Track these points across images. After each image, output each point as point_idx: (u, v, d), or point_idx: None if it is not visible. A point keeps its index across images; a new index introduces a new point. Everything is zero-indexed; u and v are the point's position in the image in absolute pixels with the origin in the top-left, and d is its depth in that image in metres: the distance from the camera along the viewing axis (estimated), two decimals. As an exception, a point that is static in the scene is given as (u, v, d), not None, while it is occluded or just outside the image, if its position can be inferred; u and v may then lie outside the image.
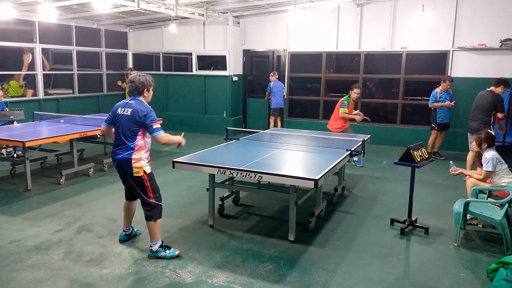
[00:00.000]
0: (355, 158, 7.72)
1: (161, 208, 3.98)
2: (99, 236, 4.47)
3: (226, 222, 4.92)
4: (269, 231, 4.68)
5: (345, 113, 7.56)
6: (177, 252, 3.99)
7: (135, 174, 3.82)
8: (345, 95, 7.76)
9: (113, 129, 4.00)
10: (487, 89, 6.84)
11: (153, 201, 3.91)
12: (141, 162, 3.83)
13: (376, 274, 3.75)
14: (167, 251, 3.95)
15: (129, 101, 3.89)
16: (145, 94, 3.96)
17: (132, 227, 4.39)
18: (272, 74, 10.40)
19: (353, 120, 7.77)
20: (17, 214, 5.06)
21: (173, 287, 3.49)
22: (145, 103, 3.91)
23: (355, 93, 7.64)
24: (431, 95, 8.31)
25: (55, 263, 3.85)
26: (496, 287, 3.35)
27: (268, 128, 10.06)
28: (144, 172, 3.85)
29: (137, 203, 4.20)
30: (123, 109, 3.85)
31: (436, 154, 8.47)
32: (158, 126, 3.82)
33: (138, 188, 3.89)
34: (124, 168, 3.84)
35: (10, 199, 5.63)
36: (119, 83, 11.78)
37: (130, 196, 4.17)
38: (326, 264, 3.91)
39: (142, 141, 3.85)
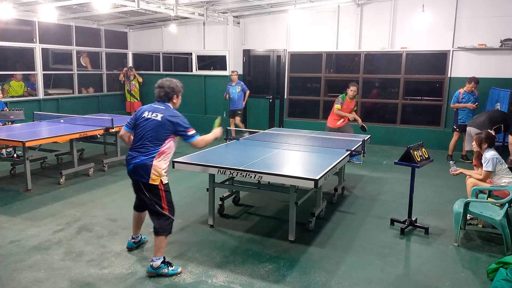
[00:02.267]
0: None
1: (173, 222, 3.69)
2: (99, 236, 4.47)
3: (226, 222, 4.92)
4: (269, 231, 4.68)
5: (338, 109, 7.87)
6: (179, 270, 3.70)
7: (150, 182, 3.54)
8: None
9: (133, 134, 3.76)
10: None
11: (167, 213, 3.63)
12: (160, 170, 3.58)
13: (376, 274, 3.75)
14: (170, 268, 3.66)
15: (158, 106, 3.68)
16: (174, 100, 3.74)
17: (140, 235, 4.19)
18: (236, 72, 10.06)
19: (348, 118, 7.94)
20: (17, 214, 5.06)
21: (173, 287, 3.49)
22: (173, 109, 3.72)
23: (351, 90, 7.86)
24: (454, 96, 8.16)
25: (55, 263, 3.85)
26: (496, 287, 3.35)
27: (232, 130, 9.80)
28: (161, 181, 3.59)
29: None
30: (150, 113, 3.63)
31: (463, 157, 8.24)
32: (194, 131, 3.62)
33: (152, 197, 3.61)
34: (140, 173, 3.56)
35: (10, 199, 5.63)
36: (121, 77, 11.57)
37: (141, 207, 3.95)
38: (326, 264, 3.91)
39: (165, 148, 3.60)
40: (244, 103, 10.23)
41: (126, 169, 3.75)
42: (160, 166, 3.58)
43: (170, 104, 3.73)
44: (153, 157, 3.55)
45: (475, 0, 8.76)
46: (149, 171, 3.54)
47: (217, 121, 4.09)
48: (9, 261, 3.87)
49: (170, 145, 3.66)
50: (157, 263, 3.61)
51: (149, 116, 3.63)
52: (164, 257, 3.68)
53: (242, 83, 10.16)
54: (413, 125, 9.70)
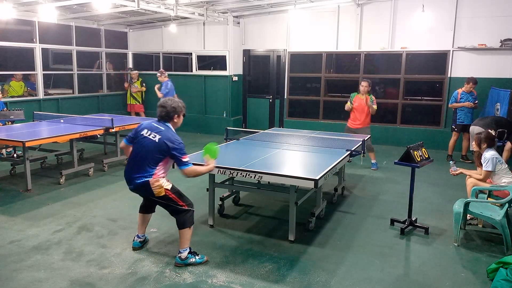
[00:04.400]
0: (373, 161, 7.70)
1: (193, 213, 3.84)
2: (99, 236, 4.47)
3: (226, 222, 4.92)
4: (269, 231, 4.68)
5: (348, 106, 7.65)
6: (205, 258, 3.90)
7: (157, 195, 3.69)
8: (346, 95, 7.81)
9: (131, 148, 3.82)
10: None
11: (185, 208, 3.77)
12: (160, 181, 3.67)
13: (376, 274, 3.75)
14: (196, 257, 3.84)
15: (158, 126, 3.71)
16: (175, 120, 3.76)
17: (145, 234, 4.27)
18: (161, 72, 9.31)
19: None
20: (17, 214, 5.06)
21: (173, 287, 3.49)
22: (174, 131, 3.74)
23: (361, 85, 7.58)
24: (452, 96, 8.19)
25: (55, 263, 3.85)
26: (496, 287, 3.35)
27: None
28: (166, 189, 3.70)
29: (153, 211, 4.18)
30: (149, 132, 3.67)
31: (463, 157, 8.23)
32: (188, 159, 3.64)
33: (166, 202, 3.75)
34: (143, 191, 3.74)
35: (10, 199, 5.63)
36: (126, 85, 11.56)
37: (147, 209, 4.10)
38: (326, 264, 3.91)
39: (162, 169, 3.71)
40: None
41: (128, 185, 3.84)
42: (158, 180, 3.66)
43: (170, 124, 3.76)
44: (149, 178, 3.64)
45: (475, 0, 8.76)
46: (151, 188, 3.65)
47: (212, 148, 3.89)
48: (9, 261, 3.87)
49: (164, 167, 3.75)
50: (185, 254, 3.78)
51: (147, 135, 3.68)
52: (190, 248, 3.83)
53: (165, 83, 9.23)
54: (413, 125, 9.70)
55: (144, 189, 3.70)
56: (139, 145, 3.70)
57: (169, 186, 3.74)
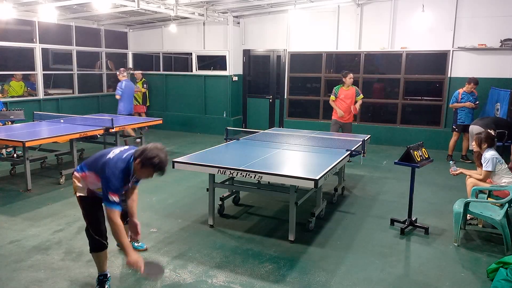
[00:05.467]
0: None
1: (99, 243, 3.30)
2: (99, 236, 4.46)
3: (226, 222, 4.92)
4: (269, 231, 4.68)
5: (332, 100, 8.01)
6: None
7: (73, 191, 3.37)
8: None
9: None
10: None
11: (90, 228, 3.31)
12: (79, 184, 3.29)
13: (376, 274, 3.75)
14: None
15: (124, 150, 3.25)
16: (136, 163, 3.11)
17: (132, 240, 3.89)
18: (120, 71, 8.94)
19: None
20: (17, 214, 5.06)
21: (173, 287, 3.49)
22: (125, 166, 3.11)
23: (350, 78, 7.90)
24: (453, 95, 8.20)
25: (55, 263, 3.85)
26: (496, 287, 3.35)
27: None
28: (80, 194, 3.30)
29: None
30: (120, 148, 3.31)
31: (463, 157, 8.24)
32: (115, 199, 3.02)
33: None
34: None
35: (10, 199, 5.63)
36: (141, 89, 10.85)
37: (123, 216, 3.45)
38: (326, 264, 3.91)
39: (90, 179, 3.24)
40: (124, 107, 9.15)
41: None
42: (78, 180, 3.30)
43: (132, 161, 3.15)
44: (78, 171, 3.34)
45: (475, 0, 8.76)
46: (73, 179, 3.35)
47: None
48: (9, 261, 3.87)
49: (91, 178, 3.24)
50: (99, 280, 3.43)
51: (116, 149, 3.33)
52: (105, 276, 3.43)
53: (120, 83, 8.86)
54: (413, 125, 9.70)
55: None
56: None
57: (83, 194, 3.28)
